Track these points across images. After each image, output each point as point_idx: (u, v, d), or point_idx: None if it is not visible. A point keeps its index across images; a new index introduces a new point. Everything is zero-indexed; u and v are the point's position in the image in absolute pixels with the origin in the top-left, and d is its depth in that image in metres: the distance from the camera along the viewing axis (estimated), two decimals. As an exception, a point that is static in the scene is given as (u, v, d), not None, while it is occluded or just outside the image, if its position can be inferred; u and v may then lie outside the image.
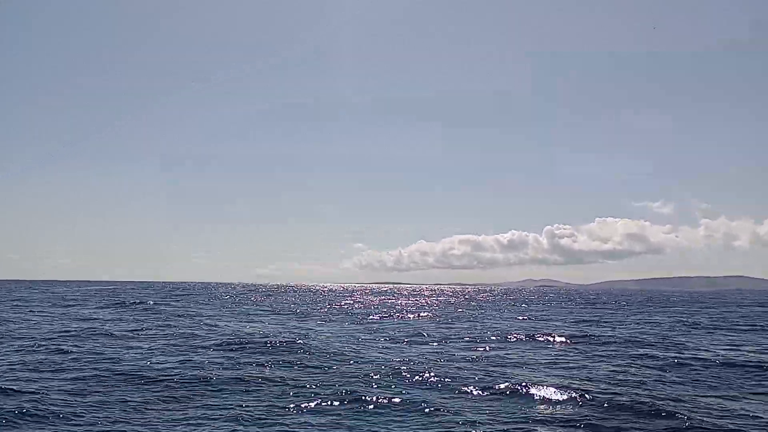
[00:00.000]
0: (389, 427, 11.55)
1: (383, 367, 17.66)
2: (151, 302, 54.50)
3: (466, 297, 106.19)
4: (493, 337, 27.75)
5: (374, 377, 16.13)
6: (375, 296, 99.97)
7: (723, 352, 22.57)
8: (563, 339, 26.89)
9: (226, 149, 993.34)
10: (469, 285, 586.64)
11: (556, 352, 22.78)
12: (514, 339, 27.20)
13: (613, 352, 22.30)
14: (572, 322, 39.47)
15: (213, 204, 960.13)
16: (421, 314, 46.08)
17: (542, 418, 12.27)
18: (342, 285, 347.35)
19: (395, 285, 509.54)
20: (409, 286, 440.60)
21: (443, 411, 12.50)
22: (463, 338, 27.42)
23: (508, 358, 20.57)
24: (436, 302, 75.01)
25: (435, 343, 25.12)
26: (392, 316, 44.56)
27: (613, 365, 19.07)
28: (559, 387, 14.67)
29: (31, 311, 42.65)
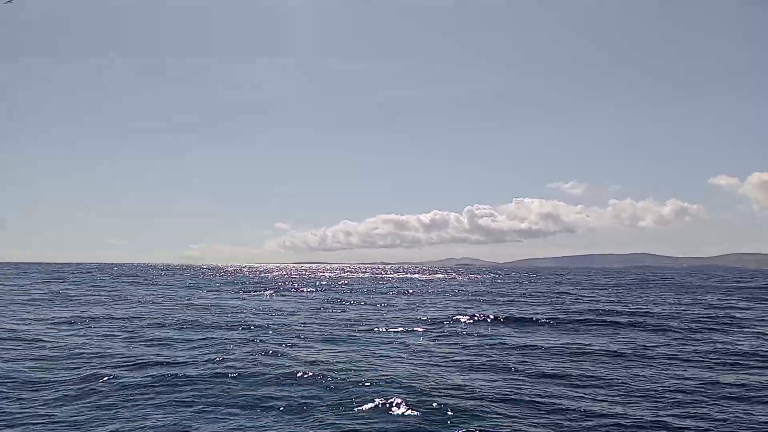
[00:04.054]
0: None
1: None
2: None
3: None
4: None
5: None
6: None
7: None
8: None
9: (150, 130, 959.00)
10: (393, 263, 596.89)
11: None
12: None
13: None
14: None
15: (134, 186, 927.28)
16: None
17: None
18: (258, 265, 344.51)
19: (319, 264, 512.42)
20: (330, 265, 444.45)
21: None
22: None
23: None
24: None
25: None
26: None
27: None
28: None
29: None
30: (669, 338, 19.40)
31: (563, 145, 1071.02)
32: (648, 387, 12.39)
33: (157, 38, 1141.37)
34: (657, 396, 11.70)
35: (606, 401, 11.30)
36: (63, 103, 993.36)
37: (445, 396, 11.31)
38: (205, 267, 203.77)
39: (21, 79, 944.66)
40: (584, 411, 10.49)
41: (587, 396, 11.69)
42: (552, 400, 11.18)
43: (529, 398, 11.32)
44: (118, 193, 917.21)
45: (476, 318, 24.97)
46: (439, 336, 19.89)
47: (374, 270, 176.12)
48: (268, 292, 45.67)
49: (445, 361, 15.18)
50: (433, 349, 17.17)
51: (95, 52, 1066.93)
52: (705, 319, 25.08)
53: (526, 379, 13.19)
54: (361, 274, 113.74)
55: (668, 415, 10.33)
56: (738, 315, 27.49)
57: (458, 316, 25.43)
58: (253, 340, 17.95)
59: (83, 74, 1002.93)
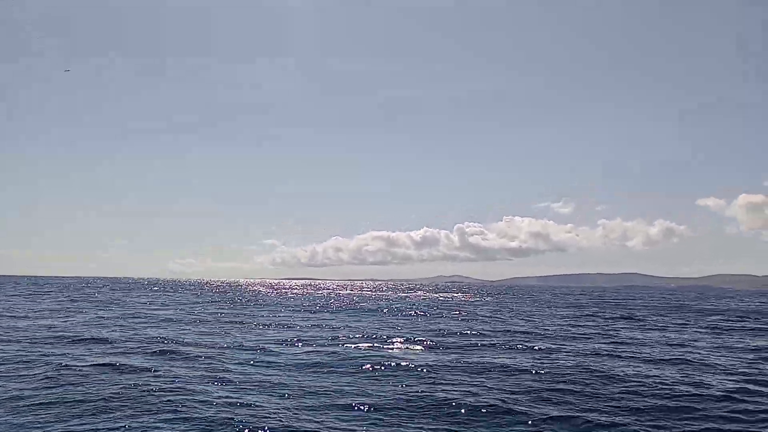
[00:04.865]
0: None
1: None
2: None
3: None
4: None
5: None
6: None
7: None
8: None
9: (141, 142, 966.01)
10: (383, 280, 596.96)
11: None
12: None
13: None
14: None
15: (134, 186, 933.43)
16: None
17: None
18: (249, 280, 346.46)
19: (309, 280, 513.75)
20: (322, 281, 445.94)
21: None
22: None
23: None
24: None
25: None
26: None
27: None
28: None
29: None
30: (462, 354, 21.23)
31: (563, 145, 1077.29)
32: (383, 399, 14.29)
33: (157, 38, 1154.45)
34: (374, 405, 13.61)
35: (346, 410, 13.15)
36: (63, 103, 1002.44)
37: (185, 407, 13.03)
38: (185, 281, 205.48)
39: (21, 79, 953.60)
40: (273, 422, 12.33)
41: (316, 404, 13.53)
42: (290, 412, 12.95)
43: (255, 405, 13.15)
44: (118, 193, 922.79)
45: (332, 340, 26.80)
46: (269, 354, 21.55)
47: (347, 287, 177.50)
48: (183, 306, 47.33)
49: (235, 380, 16.58)
50: (233, 367, 18.82)
51: (95, 52, 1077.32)
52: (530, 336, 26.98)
53: (290, 393, 15.06)
54: (323, 291, 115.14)
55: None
56: (581, 331, 29.57)
57: (316, 337, 27.25)
58: (80, 355, 19.67)
59: (83, 74, 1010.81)
